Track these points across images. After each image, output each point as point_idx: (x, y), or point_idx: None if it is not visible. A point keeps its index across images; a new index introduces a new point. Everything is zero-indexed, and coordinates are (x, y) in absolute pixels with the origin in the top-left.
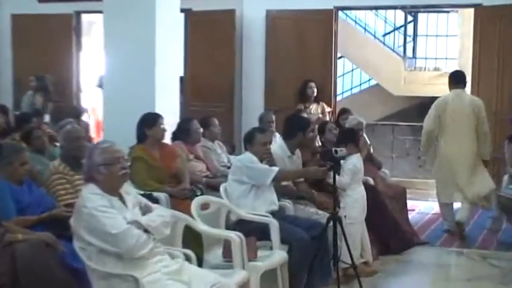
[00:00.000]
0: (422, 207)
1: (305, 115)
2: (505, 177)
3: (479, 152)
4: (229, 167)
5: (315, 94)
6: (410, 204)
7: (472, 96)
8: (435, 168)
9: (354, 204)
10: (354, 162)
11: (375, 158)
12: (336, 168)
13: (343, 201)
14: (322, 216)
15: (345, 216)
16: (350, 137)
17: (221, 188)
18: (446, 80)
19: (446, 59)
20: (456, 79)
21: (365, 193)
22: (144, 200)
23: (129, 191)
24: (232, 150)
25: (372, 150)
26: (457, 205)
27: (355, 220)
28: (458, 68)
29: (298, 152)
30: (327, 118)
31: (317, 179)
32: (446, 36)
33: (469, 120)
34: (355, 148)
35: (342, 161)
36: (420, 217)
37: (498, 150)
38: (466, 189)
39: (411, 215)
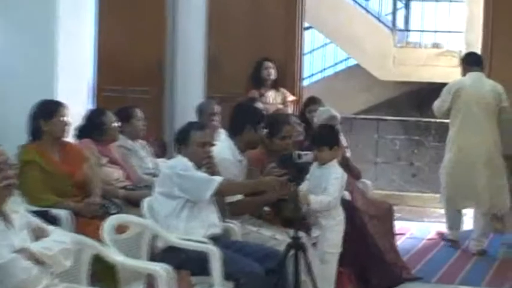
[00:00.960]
0: (415, 230)
1: (260, 105)
2: None
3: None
4: (155, 175)
5: (273, 77)
6: (399, 226)
7: (491, 81)
8: (445, 166)
9: (335, 228)
10: (339, 171)
11: (353, 164)
12: (298, 179)
13: (319, 226)
14: (282, 241)
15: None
16: (328, 138)
17: (144, 204)
18: (448, 60)
19: (449, 32)
20: (472, 60)
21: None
22: (37, 220)
23: (17, 208)
24: (162, 152)
25: (348, 154)
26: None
27: (335, 248)
28: (464, 45)
29: (246, 155)
30: (289, 109)
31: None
32: (450, 1)
33: (488, 109)
34: (332, 153)
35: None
36: (412, 244)
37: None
38: (483, 194)
39: (400, 241)
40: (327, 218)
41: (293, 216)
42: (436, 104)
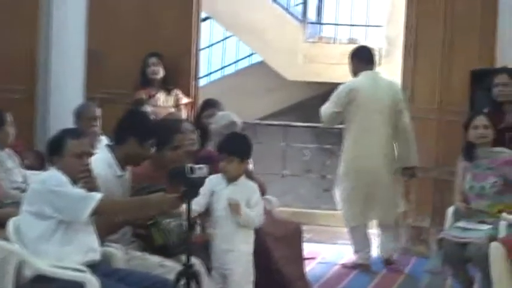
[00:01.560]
0: (327, 254)
1: (148, 108)
2: (449, 211)
3: (401, 155)
4: (24, 190)
5: (160, 76)
6: (308, 249)
7: (388, 79)
8: (340, 178)
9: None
10: (256, 187)
11: (256, 177)
12: (191, 196)
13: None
14: (171, 269)
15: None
16: (241, 148)
17: (10, 225)
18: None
19: (367, 26)
20: (365, 56)
21: None
22: None
23: None
24: (39, 164)
25: (251, 166)
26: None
27: (242, 278)
28: (384, 41)
29: (130, 170)
30: (183, 114)
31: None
32: None
33: (385, 112)
34: (241, 166)
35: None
36: (324, 269)
37: (440, 164)
38: (382, 206)
39: (310, 267)
40: (241, 243)
41: (165, 243)
42: (325, 109)
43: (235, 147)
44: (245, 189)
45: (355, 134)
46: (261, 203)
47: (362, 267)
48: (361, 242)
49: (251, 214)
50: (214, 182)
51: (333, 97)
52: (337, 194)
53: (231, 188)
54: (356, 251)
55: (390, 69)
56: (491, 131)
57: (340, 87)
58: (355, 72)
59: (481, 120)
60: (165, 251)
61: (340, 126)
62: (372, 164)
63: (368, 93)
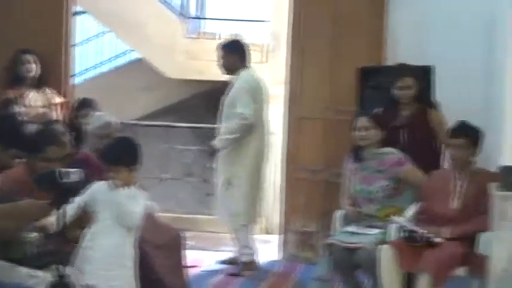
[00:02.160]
0: (210, 261)
1: (17, 108)
2: (337, 215)
3: None
4: None
5: (34, 74)
6: (191, 257)
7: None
8: (242, 176)
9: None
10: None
11: None
12: (62, 202)
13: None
14: (43, 279)
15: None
16: (126, 155)
17: None
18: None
19: (251, 21)
20: (244, 52)
21: None
22: None
23: None
24: None
25: None
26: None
27: None
28: (270, 37)
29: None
30: (55, 114)
31: None
32: None
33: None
34: (131, 174)
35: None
36: (207, 278)
37: (329, 166)
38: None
39: (193, 275)
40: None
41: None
42: (249, 112)
43: (121, 156)
44: (133, 198)
45: (259, 130)
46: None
47: (248, 265)
48: (249, 239)
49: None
50: (97, 189)
51: (249, 95)
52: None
53: (116, 195)
54: (242, 249)
55: (276, 66)
56: (376, 131)
57: (252, 83)
58: (235, 68)
59: (362, 121)
60: (27, 263)
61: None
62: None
63: (264, 89)
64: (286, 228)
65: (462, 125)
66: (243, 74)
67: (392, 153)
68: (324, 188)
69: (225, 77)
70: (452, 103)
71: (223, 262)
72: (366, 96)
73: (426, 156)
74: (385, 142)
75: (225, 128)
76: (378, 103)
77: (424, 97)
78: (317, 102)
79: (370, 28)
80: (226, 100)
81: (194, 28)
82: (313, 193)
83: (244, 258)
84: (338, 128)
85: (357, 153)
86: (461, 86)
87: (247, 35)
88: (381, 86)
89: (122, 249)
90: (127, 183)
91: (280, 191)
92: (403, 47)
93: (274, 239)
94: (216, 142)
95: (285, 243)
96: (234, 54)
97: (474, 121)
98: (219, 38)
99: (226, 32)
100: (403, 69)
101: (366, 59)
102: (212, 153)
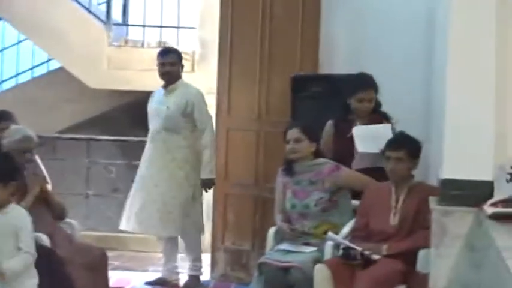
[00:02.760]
0: (137, 282)
1: None
2: (271, 232)
3: None
4: None
5: None
6: (116, 277)
7: None
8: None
9: None
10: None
11: (56, 199)
12: None
13: None
14: None
15: None
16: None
17: None
18: None
19: (178, 28)
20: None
21: None
22: None
23: None
24: None
25: (49, 187)
26: None
27: None
28: (198, 43)
29: None
30: None
31: None
32: None
33: None
34: (5, 191)
35: None
36: None
37: (261, 180)
38: None
39: None
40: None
41: None
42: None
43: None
44: (13, 219)
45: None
46: (29, 233)
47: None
48: None
49: (16, 266)
50: None
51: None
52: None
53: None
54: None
55: (206, 75)
56: (308, 143)
57: (202, 97)
58: (178, 77)
59: (293, 133)
60: None
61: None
62: None
63: None
64: (216, 247)
65: (401, 136)
66: (186, 83)
67: (328, 163)
68: (256, 203)
69: (152, 87)
70: (390, 111)
71: (151, 283)
72: (300, 106)
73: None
74: (340, 153)
75: (208, 156)
76: (313, 113)
77: (379, 109)
78: (248, 113)
79: (303, 35)
80: (172, 110)
81: (119, 35)
82: (244, 209)
83: (194, 272)
84: (270, 140)
85: (289, 166)
86: (399, 94)
87: (174, 43)
88: (316, 95)
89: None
90: (2, 202)
91: (210, 207)
92: (338, 53)
93: (204, 258)
94: (209, 173)
95: (215, 263)
96: (180, 62)
97: (413, 131)
98: (145, 46)
99: (152, 40)
100: (366, 80)
101: (299, 67)
102: (211, 185)
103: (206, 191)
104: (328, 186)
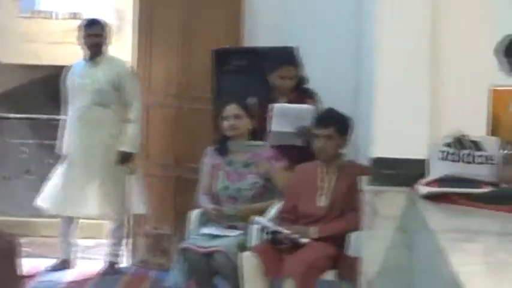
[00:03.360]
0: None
1: None
2: (193, 216)
3: None
4: None
5: None
6: (28, 265)
7: None
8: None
9: None
10: None
11: None
12: None
13: None
14: None
15: None
16: None
17: None
18: None
19: None
20: None
21: None
22: None
23: None
24: None
25: None
26: None
27: None
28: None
29: None
30: None
31: None
32: None
33: None
34: None
35: None
36: None
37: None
38: None
39: (30, 286)
40: None
41: None
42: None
43: None
44: None
45: None
46: None
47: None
48: None
49: None
50: None
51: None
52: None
53: None
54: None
55: (122, 48)
56: (247, 121)
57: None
58: (105, 50)
59: (232, 109)
60: None
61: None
62: None
63: None
64: (135, 231)
65: (330, 113)
66: (111, 56)
67: (266, 146)
68: (176, 185)
69: (63, 61)
70: (318, 89)
71: (54, 268)
72: (222, 81)
73: (303, 148)
74: (257, 133)
75: (132, 130)
76: (236, 88)
77: (303, 85)
78: (167, 89)
79: (226, 7)
80: (101, 83)
81: (28, 6)
82: (164, 191)
83: (114, 258)
84: (192, 117)
85: (223, 145)
86: (327, 70)
87: (87, 14)
88: (239, 69)
89: None
90: None
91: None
92: (263, 25)
93: (123, 243)
94: (129, 147)
95: (134, 248)
96: (106, 33)
97: (342, 107)
98: (56, 17)
99: (64, 11)
100: (287, 56)
101: (222, 41)
102: (128, 160)
103: (122, 165)
104: (262, 171)
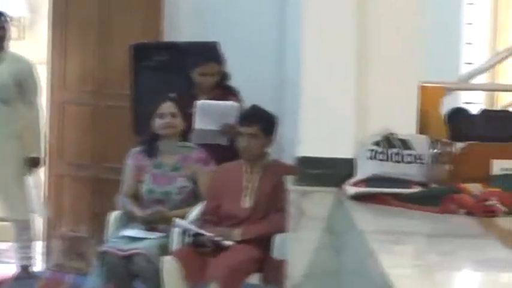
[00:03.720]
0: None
1: None
2: (112, 218)
3: None
4: None
5: None
6: None
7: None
8: None
9: None
10: None
11: None
12: None
13: None
14: None
15: None
16: None
17: None
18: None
19: None
20: None
21: None
22: None
23: None
24: None
25: None
26: None
27: None
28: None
29: None
30: None
31: None
32: None
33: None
34: None
35: None
36: None
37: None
38: None
39: None
40: None
41: None
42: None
43: None
44: None
45: None
46: None
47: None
48: None
49: None
50: None
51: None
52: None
53: None
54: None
55: (35, 43)
56: (181, 120)
57: (33, 66)
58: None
59: (168, 107)
60: None
61: None
62: None
63: None
64: (50, 234)
65: (254, 110)
66: (12, 51)
67: (198, 150)
68: (93, 185)
69: None
70: (241, 86)
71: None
72: (141, 77)
73: (227, 147)
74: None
75: (36, 132)
76: (156, 85)
77: (226, 82)
78: (83, 86)
79: (146, 2)
80: (4, 79)
81: None
82: (80, 192)
83: (26, 262)
84: (109, 115)
85: (152, 146)
86: (250, 67)
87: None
88: (159, 65)
89: None
90: None
91: (43, 189)
92: (184, 20)
93: (37, 246)
94: (36, 151)
95: (49, 251)
96: (9, 26)
97: (266, 104)
98: None
99: None
100: (209, 52)
101: (141, 36)
102: (38, 165)
103: (31, 171)
104: (190, 174)
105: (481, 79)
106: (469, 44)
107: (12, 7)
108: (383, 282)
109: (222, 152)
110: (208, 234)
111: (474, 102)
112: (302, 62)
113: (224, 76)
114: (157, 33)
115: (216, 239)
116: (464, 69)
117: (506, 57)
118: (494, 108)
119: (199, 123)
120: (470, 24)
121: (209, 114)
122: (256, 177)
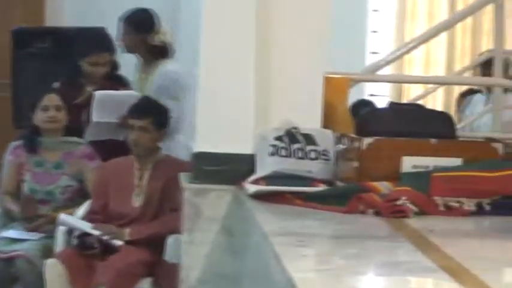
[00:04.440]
0: None
1: None
2: None
3: None
4: None
5: None
6: None
7: None
8: None
9: None
10: None
11: None
12: None
13: None
14: None
15: None
16: None
17: None
18: None
19: None
20: None
21: None
22: None
23: None
24: None
25: None
26: None
27: None
28: None
29: None
30: None
31: None
32: None
33: None
34: None
35: None
36: None
37: None
38: None
39: None
40: None
41: None
42: None
43: None
44: None
45: None
46: None
47: None
48: None
49: None
50: None
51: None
52: None
53: None
54: None
55: None
56: (65, 114)
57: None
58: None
59: (52, 99)
60: None
61: None
62: None
63: None
64: None
65: (146, 102)
66: None
67: (82, 144)
68: None
69: None
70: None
71: None
72: (23, 65)
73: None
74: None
75: None
76: (38, 73)
77: (115, 72)
78: None
79: None
80: None
81: None
82: None
83: None
84: None
85: (33, 141)
86: None
87: None
88: (41, 52)
89: None
90: None
91: None
92: (69, 4)
93: None
94: None
95: None
96: None
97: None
98: None
99: None
100: (99, 40)
101: (22, 20)
102: None
103: None
104: (75, 171)
105: (387, 70)
106: (375, 32)
107: None
108: (287, 287)
109: (116, 149)
110: (95, 232)
111: (380, 95)
112: (199, 55)
113: (114, 65)
114: (40, 18)
115: (105, 238)
116: (370, 59)
117: (415, 47)
118: (402, 101)
119: (98, 115)
120: (377, 11)
121: (108, 106)
122: (147, 174)
